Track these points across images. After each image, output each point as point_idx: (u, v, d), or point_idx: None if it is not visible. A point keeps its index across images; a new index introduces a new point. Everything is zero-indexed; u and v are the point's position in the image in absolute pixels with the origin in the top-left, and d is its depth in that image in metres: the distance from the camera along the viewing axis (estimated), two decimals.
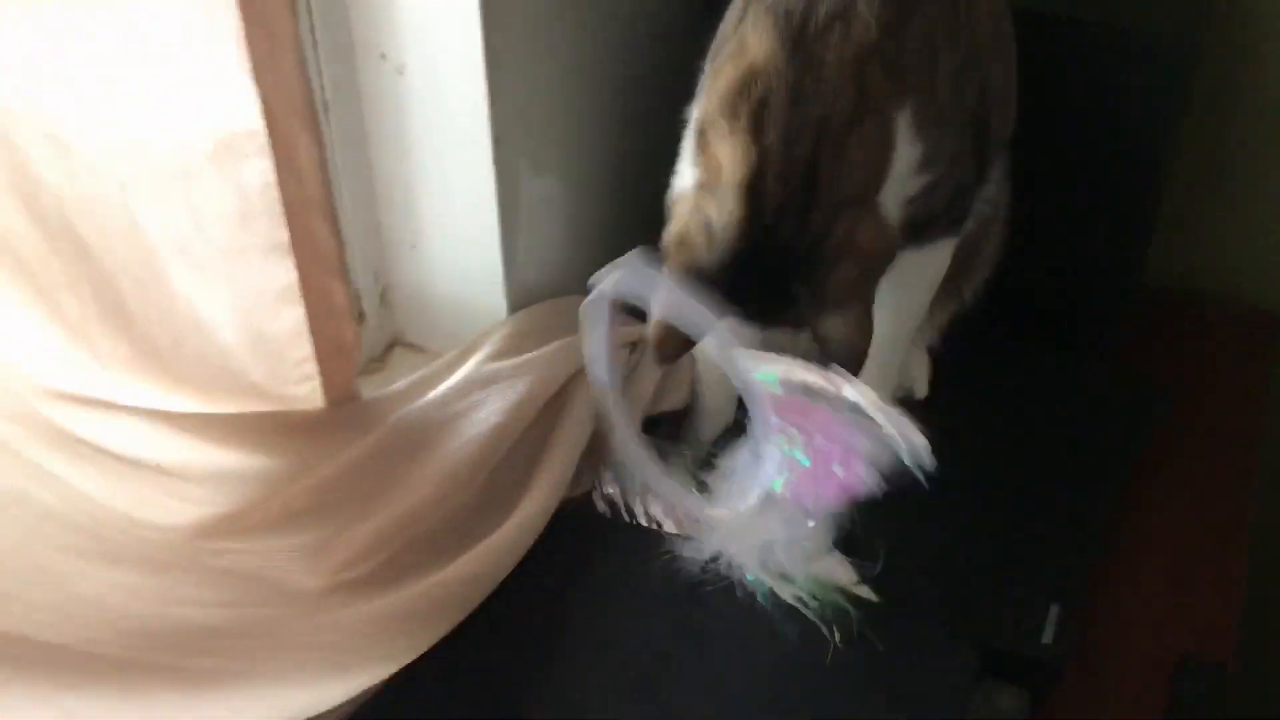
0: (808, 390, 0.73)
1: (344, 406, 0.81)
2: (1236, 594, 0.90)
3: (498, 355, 0.88)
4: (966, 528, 0.87)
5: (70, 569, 0.58)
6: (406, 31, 0.86)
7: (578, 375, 0.88)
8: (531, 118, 0.93)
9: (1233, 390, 1.11)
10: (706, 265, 0.74)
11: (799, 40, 0.72)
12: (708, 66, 0.81)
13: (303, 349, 0.74)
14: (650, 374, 0.94)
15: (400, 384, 0.87)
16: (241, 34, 0.58)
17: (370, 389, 0.96)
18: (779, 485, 0.77)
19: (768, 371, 0.75)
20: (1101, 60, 0.98)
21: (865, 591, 0.81)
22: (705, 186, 0.76)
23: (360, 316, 0.99)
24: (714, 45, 0.82)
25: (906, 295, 0.88)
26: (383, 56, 0.88)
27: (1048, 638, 0.79)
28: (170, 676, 0.53)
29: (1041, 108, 0.97)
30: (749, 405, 0.77)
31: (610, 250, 1.06)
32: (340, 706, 0.61)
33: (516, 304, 0.96)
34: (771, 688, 0.73)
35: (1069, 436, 0.97)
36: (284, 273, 0.69)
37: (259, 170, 0.64)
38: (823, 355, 0.74)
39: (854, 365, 0.73)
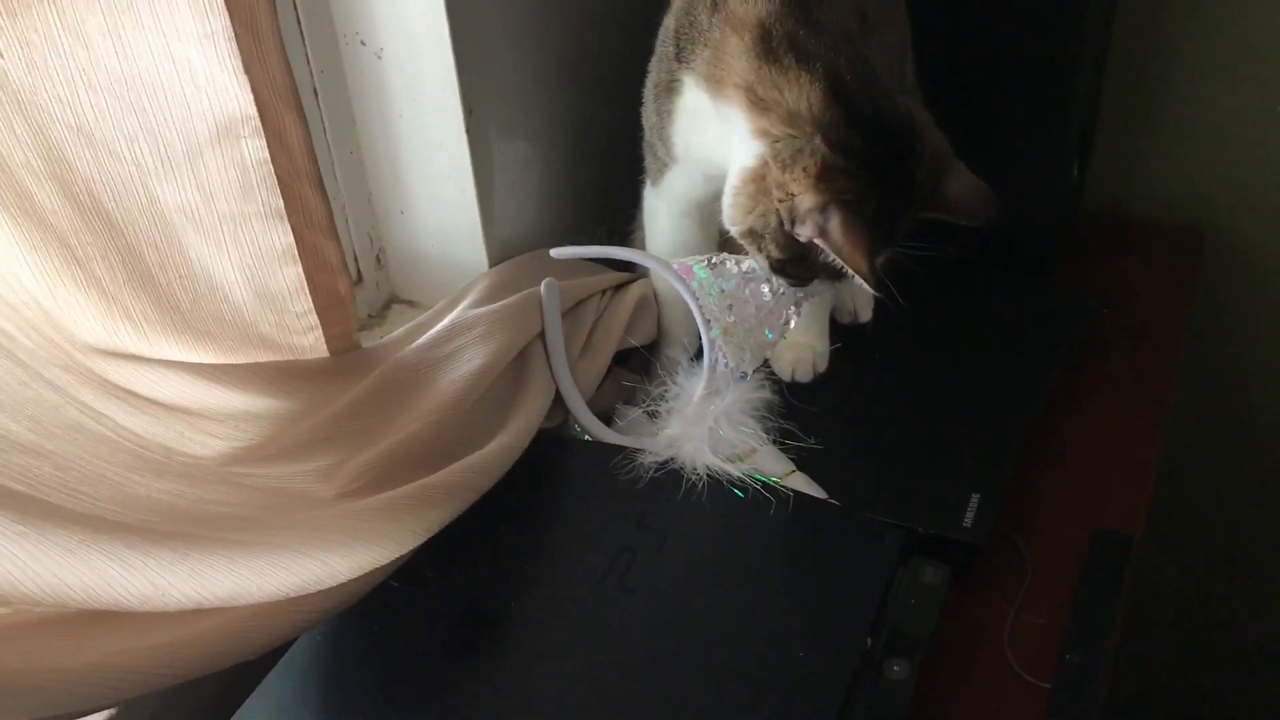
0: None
1: (346, 355, 0.92)
2: (1149, 477, 1.00)
3: (479, 303, 0.99)
4: (899, 424, 0.99)
5: (123, 479, 0.70)
6: (381, 19, 0.97)
7: None
8: (500, 89, 1.03)
9: (1161, 300, 1.21)
10: (851, 177, 0.82)
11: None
12: (673, 46, 0.92)
13: (303, 303, 0.85)
14: (621, 313, 1.05)
15: (396, 333, 0.98)
16: (232, 34, 0.69)
17: (371, 342, 1.08)
18: (718, 362, 0.94)
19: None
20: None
21: (799, 480, 0.92)
22: (789, 130, 0.84)
23: (359, 277, 1.11)
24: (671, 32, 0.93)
25: None
26: (362, 43, 0.99)
27: (968, 521, 0.90)
28: (209, 544, 0.65)
29: (970, 46, 1.08)
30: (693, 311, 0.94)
31: (580, 204, 1.18)
32: (350, 584, 0.72)
33: (496, 258, 1.07)
34: (718, 568, 0.84)
35: (1000, 344, 1.08)
36: (282, 235, 0.80)
37: (254, 148, 0.75)
38: (960, 216, 0.89)
39: (992, 205, 0.87)
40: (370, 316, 1.12)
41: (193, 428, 0.80)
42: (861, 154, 0.82)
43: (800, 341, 1.04)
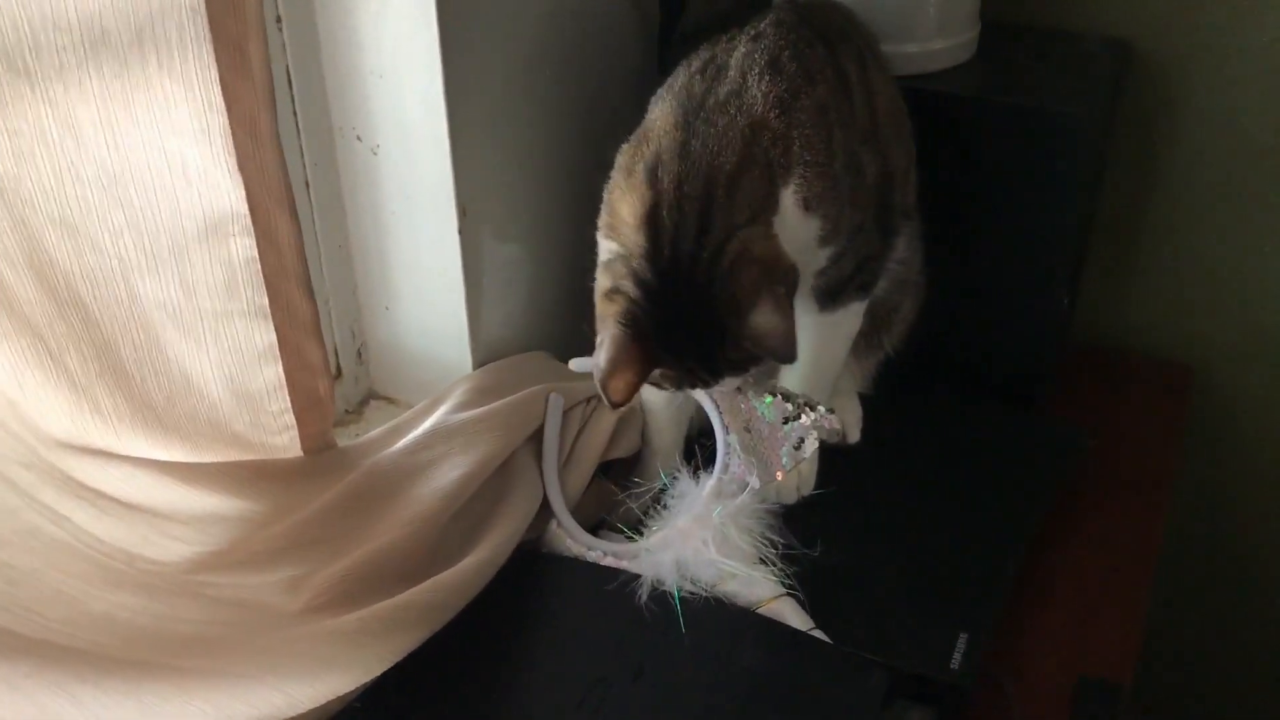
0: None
1: (320, 455, 0.89)
2: (1138, 622, 0.98)
3: (462, 407, 0.97)
4: (886, 558, 0.96)
5: (81, 592, 0.66)
6: (380, 115, 0.95)
7: (536, 432, 0.97)
8: (495, 191, 1.02)
9: (1149, 435, 1.20)
10: (636, 304, 0.83)
11: (696, 112, 0.85)
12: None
13: (281, 402, 0.82)
14: (605, 424, 1.02)
15: (373, 433, 0.95)
16: (228, 132, 0.67)
17: (346, 439, 1.05)
18: (729, 464, 0.94)
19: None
20: (1015, 135, 1.08)
21: (787, 605, 0.89)
22: (615, 245, 0.86)
23: (338, 372, 1.08)
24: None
25: (823, 350, 0.98)
26: (358, 138, 0.97)
27: (955, 663, 0.87)
28: (165, 673, 0.61)
29: (966, 178, 1.08)
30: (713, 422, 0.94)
31: (569, 309, 1.16)
32: (310, 713, 0.68)
33: (481, 359, 1.05)
34: (695, 703, 0.80)
35: (989, 476, 1.06)
36: (264, 334, 0.78)
37: (243, 246, 0.72)
38: (763, 352, 0.84)
39: (789, 349, 0.83)
40: (347, 412, 1.09)
41: (157, 530, 0.76)
42: (648, 286, 0.83)
43: None
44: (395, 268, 1.04)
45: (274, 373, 0.80)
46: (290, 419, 0.84)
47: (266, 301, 0.76)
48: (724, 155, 0.83)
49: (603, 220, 0.90)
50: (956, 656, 0.87)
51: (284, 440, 0.85)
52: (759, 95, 0.85)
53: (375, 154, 0.98)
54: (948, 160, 1.06)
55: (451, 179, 0.96)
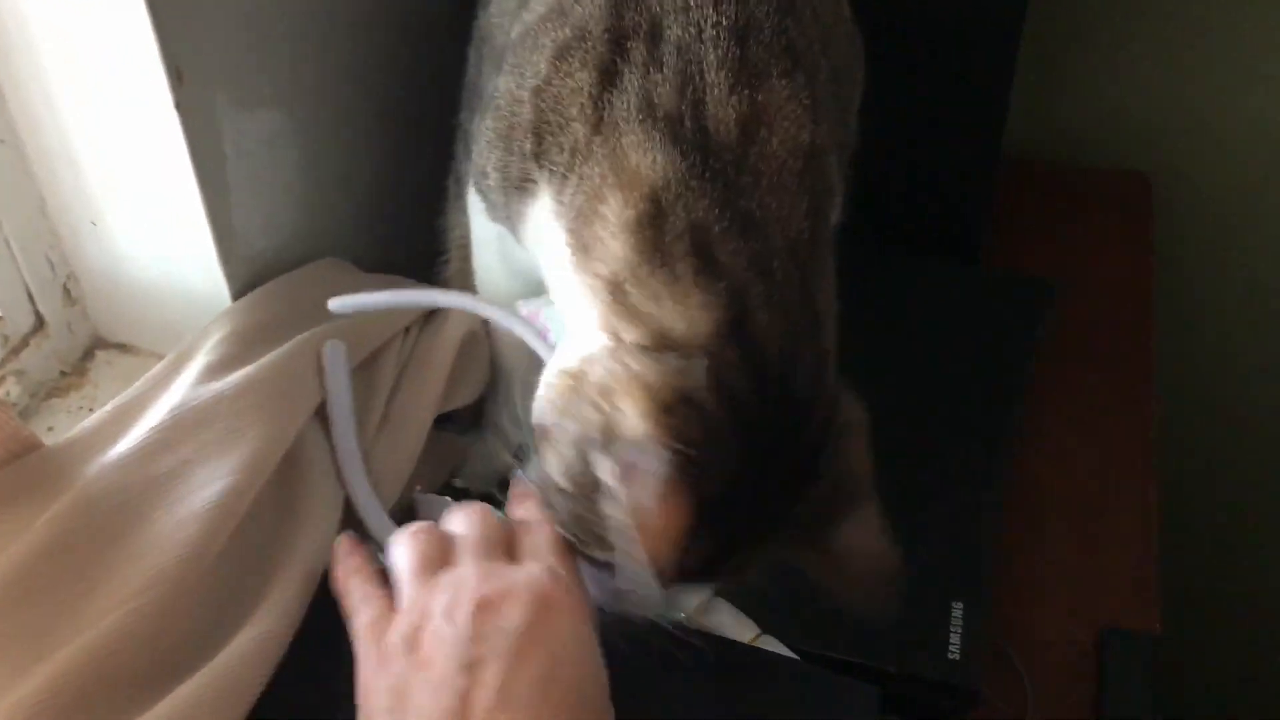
0: None
1: (11, 466, 0.59)
2: (1153, 548, 0.77)
3: (216, 367, 0.66)
4: None
5: None
6: None
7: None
8: (227, 38, 0.69)
9: (1114, 267, 0.97)
10: (714, 436, 0.52)
11: (704, 148, 0.54)
12: (529, 134, 0.60)
13: None
14: (437, 365, 0.73)
15: (90, 421, 0.64)
16: None
17: (70, 412, 0.75)
18: None
19: None
20: None
21: (721, 610, 0.65)
22: (649, 348, 0.55)
23: (39, 321, 0.75)
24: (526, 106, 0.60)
25: None
26: None
27: (955, 649, 0.64)
28: None
29: None
30: None
31: (366, 196, 0.85)
32: None
33: (243, 283, 0.74)
34: None
35: (950, 375, 0.81)
36: None
37: None
38: (843, 588, 0.55)
39: (886, 583, 0.55)
40: (65, 374, 0.77)
41: None
42: (742, 412, 0.53)
43: None
44: (93, 167, 0.71)
45: None
46: None
47: None
48: (795, 220, 0.54)
49: (597, 310, 0.56)
50: (954, 639, 0.64)
51: None
52: (799, 111, 0.55)
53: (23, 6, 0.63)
54: None
55: (150, 25, 0.63)
